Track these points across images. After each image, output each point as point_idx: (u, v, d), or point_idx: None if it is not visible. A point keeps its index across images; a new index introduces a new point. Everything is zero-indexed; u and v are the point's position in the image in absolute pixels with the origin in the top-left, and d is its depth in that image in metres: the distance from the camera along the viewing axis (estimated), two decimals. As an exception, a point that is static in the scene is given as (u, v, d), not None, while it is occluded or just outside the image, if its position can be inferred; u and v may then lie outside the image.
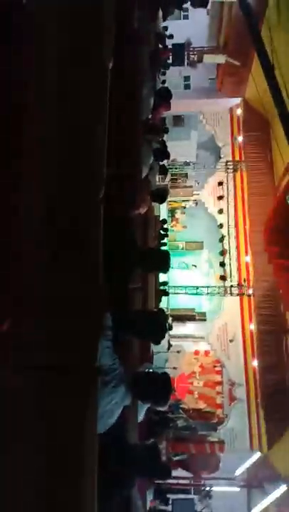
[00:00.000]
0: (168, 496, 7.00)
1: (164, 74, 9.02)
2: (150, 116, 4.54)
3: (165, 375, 2.07)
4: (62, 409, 1.44)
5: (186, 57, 11.57)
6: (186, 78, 12.44)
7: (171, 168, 12.39)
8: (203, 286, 12.52)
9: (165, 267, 2.65)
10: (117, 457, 1.98)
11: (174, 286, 12.32)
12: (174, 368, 11.68)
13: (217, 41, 11.78)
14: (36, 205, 1.53)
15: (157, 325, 2.19)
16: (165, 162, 7.42)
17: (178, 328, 12.27)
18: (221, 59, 11.29)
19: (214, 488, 9.67)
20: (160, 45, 6.89)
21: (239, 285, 12.07)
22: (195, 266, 13.77)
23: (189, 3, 5.41)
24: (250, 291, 11.67)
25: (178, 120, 13.02)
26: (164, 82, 8.85)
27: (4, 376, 1.26)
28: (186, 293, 12.32)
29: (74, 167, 1.70)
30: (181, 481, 9.83)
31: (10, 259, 1.23)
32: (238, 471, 10.92)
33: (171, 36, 10.07)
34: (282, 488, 8.94)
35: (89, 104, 1.74)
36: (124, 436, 2.09)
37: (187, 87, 12.54)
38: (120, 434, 2.02)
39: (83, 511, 1.35)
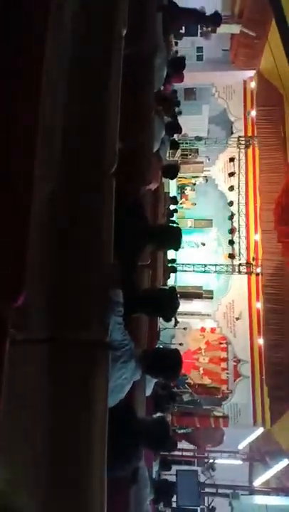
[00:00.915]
0: (172, 466, 7.20)
1: (176, 44, 8.72)
2: (162, 88, 4.41)
3: (175, 350, 2.08)
4: (72, 383, 1.45)
5: (199, 26, 11.15)
6: (199, 49, 12.02)
7: (181, 143, 12.14)
8: (211, 264, 12.49)
9: (176, 244, 2.62)
10: (125, 430, 2.01)
11: (182, 264, 12.31)
12: (180, 344, 11.82)
13: (232, 10, 11.32)
14: (46, 182, 1.50)
15: (169, 301, 2.18)
16: (176, 137, 7.28)
17: (185, 306, 12.34)
18: (235, 29, 10.87)
19: (217, 461, 9.94)
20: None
21: (247, 263, 12.03)
22: (204, 244, 13.71)
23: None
24: (259, 270, 11.63)
25: (189, 93, 12.67)
26: (176, 52, 8.58)
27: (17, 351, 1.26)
28: (193, 271, 12.32)
29: (86, 139, 1.66)
30: (185, 453, 10.11)
31: (19, 235, 1.21)
32: (241, 445, 11.19)
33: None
34: (285, 462, 9.15)
35: (102, 72, 1.68)
36: (133, 409, 2.12)
37: (200, 58, 12.13)
38: (129, 407, 2.05)
39: (93, 484, 1.38)
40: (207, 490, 8.70)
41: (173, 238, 2.62)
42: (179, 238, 2.60)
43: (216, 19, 5.09)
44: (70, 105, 1.57)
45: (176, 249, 2.72)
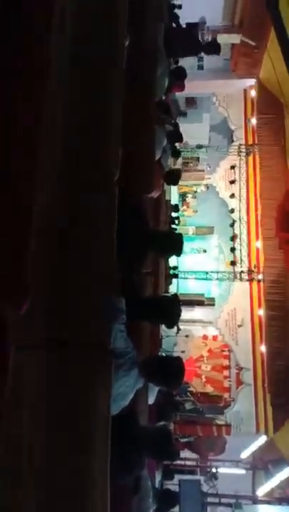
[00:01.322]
0: (175, 476, 7.14)
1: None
2: (163, 97, 4.44)
3: (177, 358, 2.08)
4: (74, 391, 1.44)
5: (200, 36, 11.26)
6: (200, 58, 12.12)
7: (182, 151, 12.22)
8: (212, 272, 12.49)
9: (178, 250, 2.62)
10: (128, 438, 2.00)
11: (184, 271, 12.30)
12: (183, 352, 11.76)
13: (232, 20, 11.44)
14: (49, 185, 1.50)
15: (172, 308, 2.19)
16: (177, 145, 7.31)
17: (187, 313, 12.31)
18: (235, 39, 10.97)
19: (220, 470, 9.84)
20: (174, 24, 6.71)
21: (249, 270, 12.02)
22: (205, 251, 13.71)
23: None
24: (260, 277, 11.61)
25: (190, 102, 12.77)
26: (176, 62, 8.64)
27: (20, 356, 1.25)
28: (195, 278, 12.31)
29: (88, 139, 1.66)
30: (187, 462, 10.01)
31: (21, 238, 1.21)
32: (244, 454, 11.07)
33: (179, 6, 9.55)
34: (288, 470, 9.05)
35: (104, 81, 1.70)
36: (135, 418, 2.11)
37: (200, 67, 12.24)
38: (132, 415, 2.04)
39: (95, 493, 1.36)
40: (210, 500, 8.61)
41: (174, 244, 2.63)
42: (181, 244, 2.61)
43: (215, 48, 5.15)
44: (72, 105, 1.57)
45: (178, 255, 2.72)
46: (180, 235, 2.77)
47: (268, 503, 8.91)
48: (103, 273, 1.56)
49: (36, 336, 1.42)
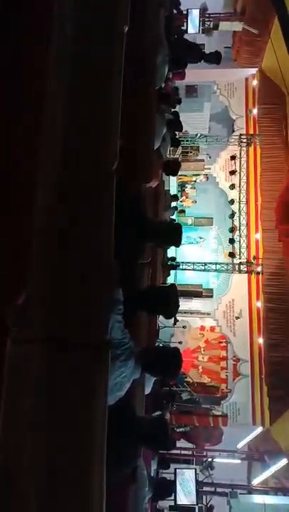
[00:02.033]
0: (171, 464, 7.20)
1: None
2: (163, 85, 4.37)
3: (175, 349, 2.07)
4: (72, 381, 1.44)
5: (200, 24, 11.09)
6: (201, 46, 11.97)
7: (182, 141, 12.11)
8: (211, 263, 12.47)
9: (177, 240, 2.59)
10: (124, 429, 2.00)
11: (182, 262, 12.29)
12: (180, 343, 11.81)
13: (234, 7, 11.27)
14: (46, 179, 1.48)
15: (171, 299, 2.17)
16: (177, 134, 7.24)
17: (184, 304, 12.33)
18: (237, 26, 10.82)
19: (216, 460, 9.94)
20: (175, 11, 6.60)
21: (248, 262, 12.01)
22: (201, 238, 13.70)
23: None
24: (259, 269, 11.61)
25: (191, 90, 12.63)
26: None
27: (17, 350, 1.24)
28: (193, 269, 12.30)
29: (86, 136, 1.64)
30: (183, 452, 10.11)
31: (20, 234, 1.20)
32: (240, 444, 11.19)
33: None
34: (283, 461, 9.14)
35: (103, 69, 1.66)
36: (132, 408, 2.10)
37: (202, 55, 12.08)
38: (128, 406, 2.03)
39: (92, 483, 1.36)
40: (205, 489, 8.70)
41: (173, 234, 2.59)
42: (180, 234, 2.57)
43: (217, 57, 5.23)
44: (71, 104, 1.55)
45: (177, 245, 2.69)
46: (179, 225, 2.73)
47: (264, 492, 9.01)
48: (101, 268, 1.55)
49: (36, 329, 1.41)
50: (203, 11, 11.24)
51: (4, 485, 1.28)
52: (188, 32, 10.60)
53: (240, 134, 12.52)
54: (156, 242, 2.79)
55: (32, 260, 1.22)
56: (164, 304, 2.18)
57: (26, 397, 1.36)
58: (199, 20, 10.91)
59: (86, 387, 1.45)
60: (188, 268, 12.35)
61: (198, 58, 5.01)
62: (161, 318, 3.08)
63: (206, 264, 12.36)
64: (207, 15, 11.37)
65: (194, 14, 10.80)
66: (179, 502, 7.43)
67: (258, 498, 8.61)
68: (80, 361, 1.47)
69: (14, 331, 1.25)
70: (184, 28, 10.52)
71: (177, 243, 2.62)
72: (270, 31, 9.38)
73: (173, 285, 2.26)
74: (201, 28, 11.07)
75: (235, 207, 12.75)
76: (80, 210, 1.58)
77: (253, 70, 12.13)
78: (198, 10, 10.90)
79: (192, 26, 10.81)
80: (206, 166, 13.67)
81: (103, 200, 1.62)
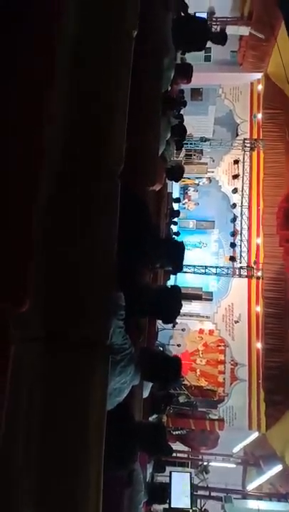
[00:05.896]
0: (166, 467, 7.19)
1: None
2: (169, 89, 4.37)
3: (176, 360, 2.06)
4: (71, 385, 1.43)
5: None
6: (207, 50, 11.96)
7: (186, 144, 12.12)
8: (211, 266, 12.46)
9: (178, 266, 2.42)
10: (122, 433, 2.00)
11: (183, 265, 12.27)
12: (178, 345, 11.80)
13: (241, 12, 11.28)
14: (47, 182, 1.48)
15: (174, 302, 2.15)
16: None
17: (184, 307, 12.27)
18: (244, 31, 10.83)
19: (211, 464, 9.92)
20: (182, 14, 6.59)
21: (248, 267, 12.00)
22: (201, 242, 13.71)
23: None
24: (259, 274, 11.60)
25: (196, 93, 12.63)
26: (184, 53, 8.53)
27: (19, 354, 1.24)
28: (194, 272, 12.29)
29: (91, 140, 1.63)
30: (179, 455, 10.08)
31: (21, 238, 1.19)
32: (236, 449, 11.16)
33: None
34: (278, 467, 9.13)
35: (111, 72, 1.65)
36: (130, 413, 2.10)
37: (207, 59, 12.07)
38: (127, 411, 2.03)
39: (89, 486, 1.36)
40: (200, 492, 8.69)
41: (175, 256, 2.43)
42: (181, 257, 2.40)
43: (223, 38, 5.12)
44: (74, 104, 1.54)
45: (176, 271, 2.51)
46: (181, 243, 2.51)
47: (258, 498, 8.99)
48: (104, 272, 1.54)
49: (35, 331, 1.41)
50: (210, 14, 11.26)
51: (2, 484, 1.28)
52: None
53: (244, 139, 12.51)
54: (156, 260, 2.60)
55: (32, 260, 1.22)
56: (164, 309, 2.17)
57: (26, 397, 1.35)
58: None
59: (84, 391, 1.44)
60: (189, 271, 12.33)
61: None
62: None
63: (206, 267, 12.35)
64: (214, 19, 11.39)
65: (201, 18, 10.81)
66: (173, 505, 7.41)
67: (253, 504, 8.59)
68: (79, 364, 1.47)
69: (14, 331, 1.24)
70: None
71: (178, 269, 2.46)
72: (277, 36, 9.40)
73: (175, 290, 2.25)
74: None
75: (237, 211, 12.75)
76: (84, 212, 1.58)
77: (259, 75, 12.13)
78: (205, 14, 10.91)
79: (199, 29, 10.80)
80: (209, 169, 13.67)
81: (108, 204, 1.62)
